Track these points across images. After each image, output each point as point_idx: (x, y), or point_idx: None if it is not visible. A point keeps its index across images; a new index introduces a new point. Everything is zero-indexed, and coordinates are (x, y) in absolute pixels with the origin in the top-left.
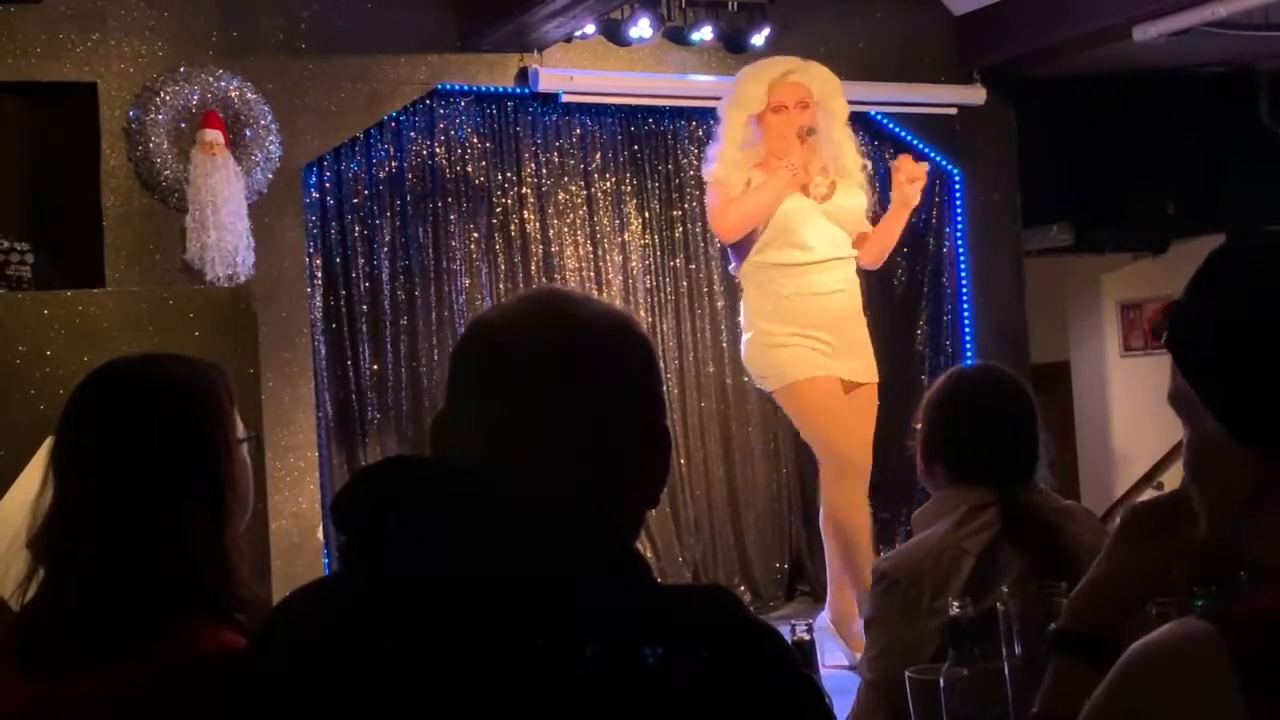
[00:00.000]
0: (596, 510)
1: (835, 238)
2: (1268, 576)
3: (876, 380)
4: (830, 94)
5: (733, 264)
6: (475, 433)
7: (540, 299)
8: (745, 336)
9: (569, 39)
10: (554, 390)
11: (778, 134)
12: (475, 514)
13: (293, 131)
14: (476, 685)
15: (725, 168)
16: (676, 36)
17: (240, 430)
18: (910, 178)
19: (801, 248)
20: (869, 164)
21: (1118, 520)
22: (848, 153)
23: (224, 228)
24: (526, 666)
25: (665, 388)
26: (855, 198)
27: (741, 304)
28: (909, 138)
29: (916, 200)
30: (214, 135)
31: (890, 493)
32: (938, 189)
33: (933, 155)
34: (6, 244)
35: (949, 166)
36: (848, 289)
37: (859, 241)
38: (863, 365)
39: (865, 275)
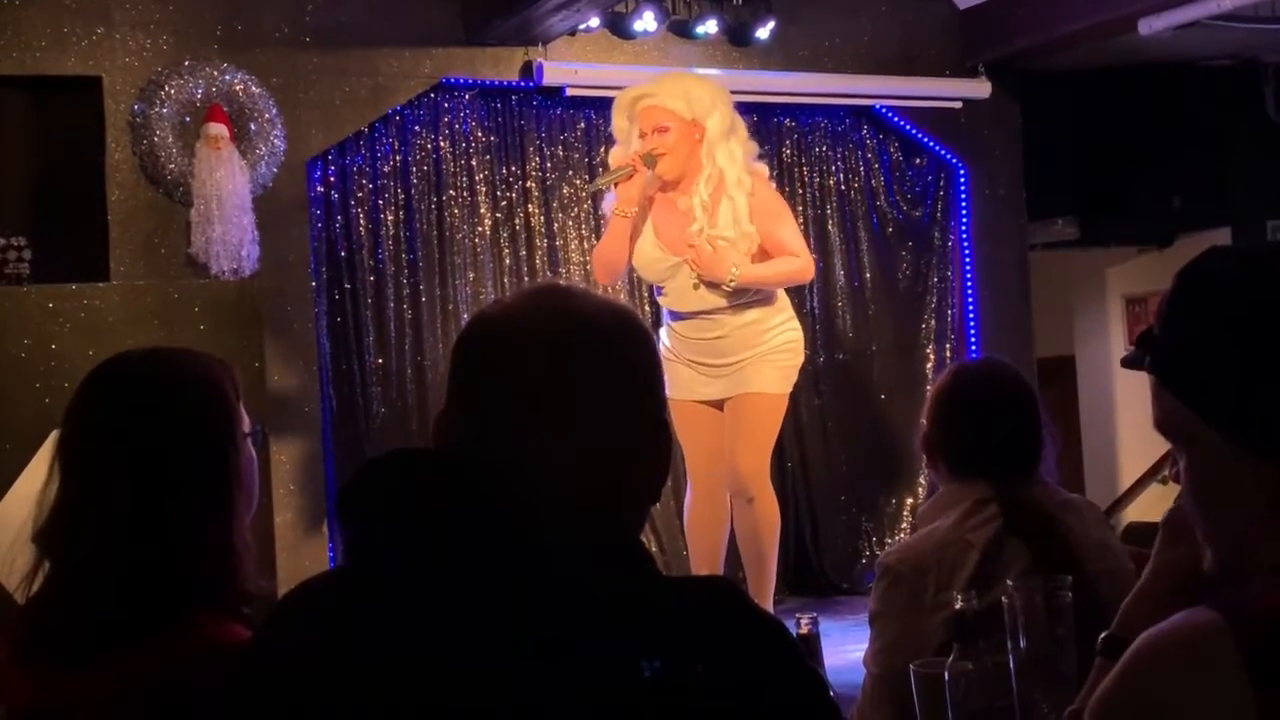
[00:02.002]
0: (598, 505)
1: (701, 293)
2: (1276, 569)
3: (752, 390)
4: (703, 110)
5: None
6: (477, 428)
7: (541, 293)
8: None
9: (573, 32)
10: (554, 385)
11: None
12: (478, 510)
13: (297, 125)
14: (475, 685)
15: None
16: (681, 30)
17: (246, 424)
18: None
19: (666, 299)
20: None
21: (1160, 525)
22: (729, 177)
23: (229, 221)
24: (524, 668)
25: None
26: (727, 239)
27: None
28: (913, 132)
29: (737, 279)
30: (218, 129)
31: (894, 486)
32: (942, 183)
33: (937, 149)
34: (4, 240)
35: (954, 161)
36: (728, 337)
37: (759, 257)
38: (734, 383)
39: (862, 268)
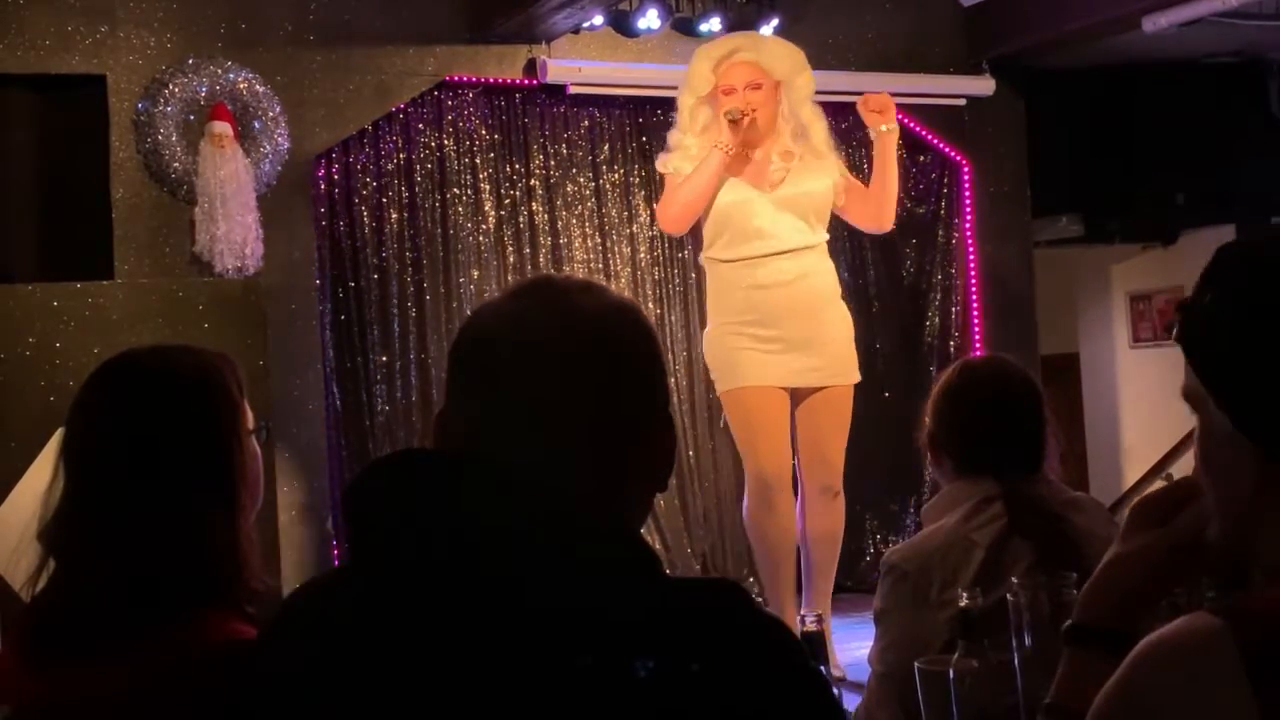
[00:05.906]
0: (601, 503)
1: (791, 224)
2: (1276, 572)
3: (847, 382)
4: (792, 71)
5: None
6: (476, 426)
7: (536, 290)
8: (705, 330)
9: (577, 30)
10: (552, 381)
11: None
12: (480, 510)
13: (301, 123)
14: (474, 685)
15: (678, 157)
16: (685, 28)
17: (250, 420)
18: (876, 108)
19: (747, 240)
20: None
21: (1128, 513)
22: (816, 132)
23: (233, 220)
24: (521, 670)
25: (673, 378)
26: (817, 181)
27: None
28: (917, 129)
29: (892, 132)
30: (223, 127)
31: (898, 484)
32: (946, 180)
33: (941, 146)
34: None
35: (957, 158)
36: (807, 278)
37: (849, 213)
38: (823, 365)
39: (865, 266)
